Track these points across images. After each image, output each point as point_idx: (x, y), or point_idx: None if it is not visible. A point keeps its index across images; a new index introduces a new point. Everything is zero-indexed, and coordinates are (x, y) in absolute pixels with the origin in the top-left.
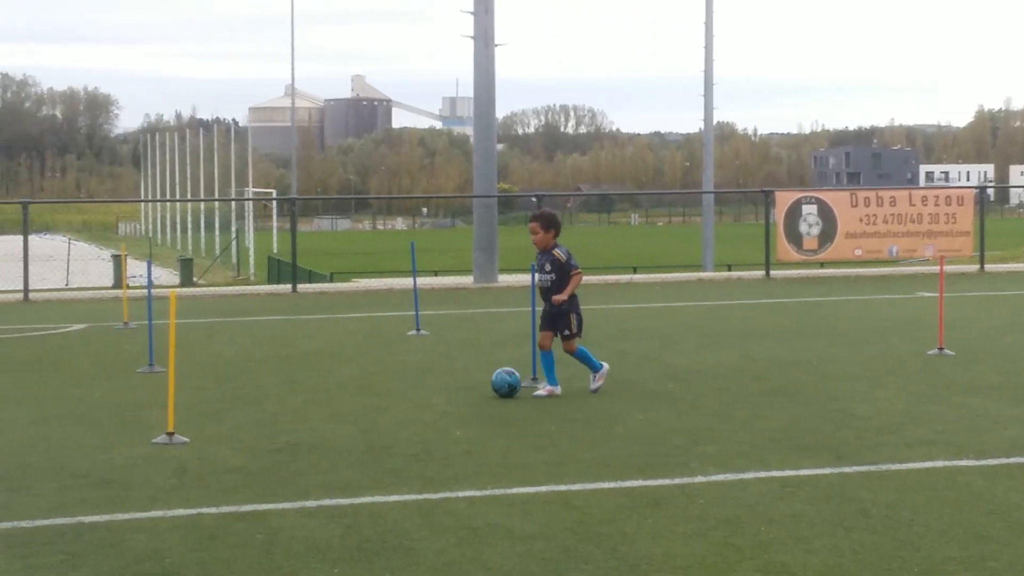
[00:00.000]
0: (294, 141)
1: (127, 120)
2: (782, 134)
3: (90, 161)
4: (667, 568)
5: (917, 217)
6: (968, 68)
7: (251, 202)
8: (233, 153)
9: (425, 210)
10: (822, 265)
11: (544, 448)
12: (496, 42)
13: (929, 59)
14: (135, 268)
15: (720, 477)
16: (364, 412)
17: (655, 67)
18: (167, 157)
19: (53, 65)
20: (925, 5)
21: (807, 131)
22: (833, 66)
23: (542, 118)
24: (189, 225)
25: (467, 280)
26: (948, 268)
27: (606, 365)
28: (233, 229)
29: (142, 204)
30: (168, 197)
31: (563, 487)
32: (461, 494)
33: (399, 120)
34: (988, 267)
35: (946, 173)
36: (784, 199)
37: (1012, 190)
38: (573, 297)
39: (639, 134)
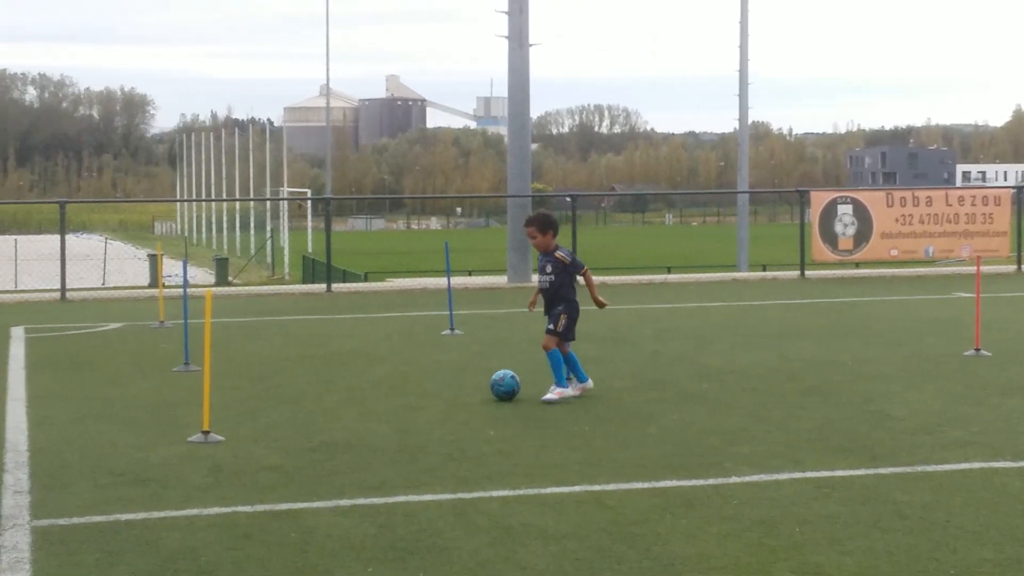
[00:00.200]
0: (329, 141)
1: (163, 120)
2: (818, 134)
3: (126, 161)
4: (701, 569)
5: (953, 217)
6: (1006, 67)
7: (286, 202)
8: (268, 153)
9: (459, 210)
10: (857, 265)
11: (578, 448)
12: (530, 42)
13: (966, 58)
14: (171, 267)
15: (754, 478)
16: (398, 411)
17: (690, 66)
18: (203, 157)
19: (90, 65)
20: (963, 4)
21: (843, 131)
22: (869, 65)
23: (576, 118)
24: (224, 225)
25: (501, 280)
26: (984, 268)
27: (570, 389)
28: (268, 229)
29: (178, 204)
30: (204, 197)
31: (597, 487)
32: (495, 493)
33: (433, 120)
34: None
35: (983, 173)
36: (819, 199)
37: None
38: (573, 301)
39: (674, 134)
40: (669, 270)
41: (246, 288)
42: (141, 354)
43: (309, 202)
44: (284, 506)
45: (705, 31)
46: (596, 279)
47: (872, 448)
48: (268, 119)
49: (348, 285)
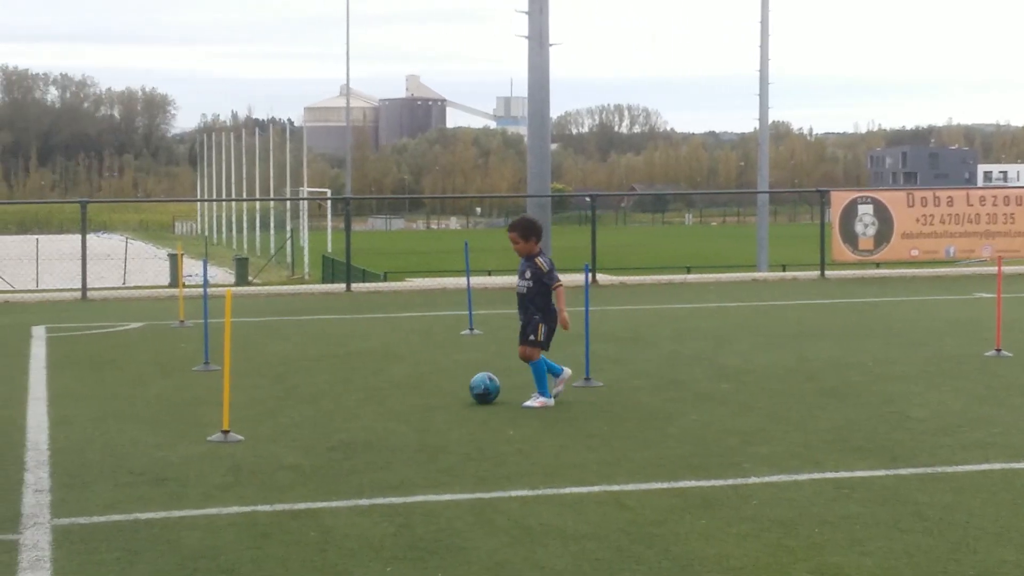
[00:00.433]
0: (349, 141)
1: (184, 120)
2: (838, 134)
3: (147, 161)
4: (720, 569)
5: (975, 217)
6: None
7: (306, 201)
8: (288, 153)
9: (479, 209)
10: (878, 266)
11: (597, 448)
12: (551, 42)
13: (988, 58)
14: (191, 267)
15: (774, 478)
16: (418, 411)
17: (710, 66)
18: (223, 157)
19: (112, 65)
20: (984, 3)
21: (863, 131)
22: (890, 65)
23: (596, 118)
24: (244, 224)
25: None
26: (1006, 269)
27: (551, 400)
28: (288, 228)
29: (198, 204)
30: (224, 197)
31: (616, 487)
32: (514, 493)
33: (453, 120)
34: None
35: (1004, 173)
36: (840, 199)
37: None
38: (550, 309)
39: (693, 134)
40: (689, 270)
41: (266, 288)
42: (161, 353)
43: (329, 202)
44: (303, 505)
45: (725, 30)
46: (616, 278)
47: (892, 449)
48: (288, 119)
49: (368, 285)
